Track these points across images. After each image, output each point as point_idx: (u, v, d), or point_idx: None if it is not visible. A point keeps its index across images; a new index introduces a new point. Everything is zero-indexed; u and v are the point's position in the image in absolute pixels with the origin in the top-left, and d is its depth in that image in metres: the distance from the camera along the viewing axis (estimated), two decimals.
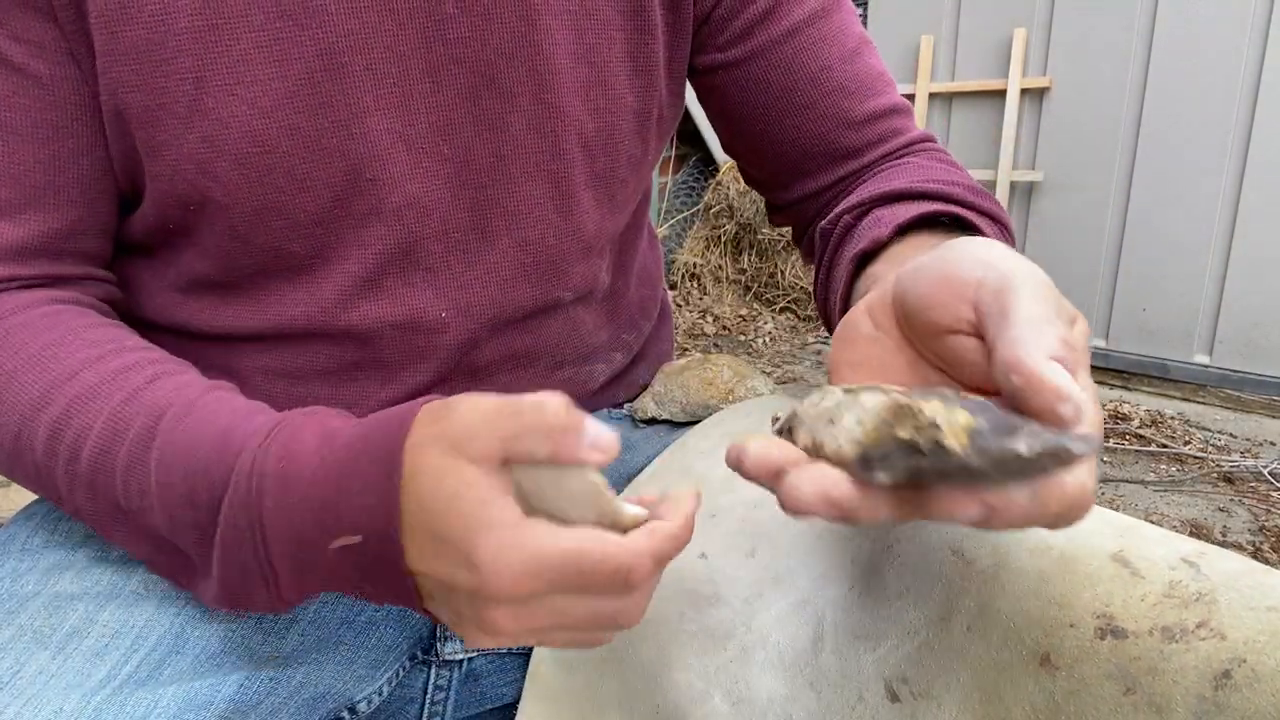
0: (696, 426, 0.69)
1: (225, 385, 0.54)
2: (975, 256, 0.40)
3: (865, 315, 0.45)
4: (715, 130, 0.77)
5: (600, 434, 0.39)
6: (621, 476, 0.73)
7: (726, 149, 0.78)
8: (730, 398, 0.77)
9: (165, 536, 0.49)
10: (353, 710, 0.61)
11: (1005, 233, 0.64)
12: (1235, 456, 2.54)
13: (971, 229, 0.59)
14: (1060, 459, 0.30)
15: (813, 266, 0.72)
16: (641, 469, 0.69)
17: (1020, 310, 0.35)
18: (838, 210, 0.68)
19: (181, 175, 0.57)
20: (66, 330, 0.55)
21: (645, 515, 0.41)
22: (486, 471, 0.39)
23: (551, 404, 0.39)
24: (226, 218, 0.58)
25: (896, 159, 0.71)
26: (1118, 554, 0.38)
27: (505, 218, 0.64)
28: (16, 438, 0.52)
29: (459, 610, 0.41)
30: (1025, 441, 0.30)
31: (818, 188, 0.73)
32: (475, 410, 0.40)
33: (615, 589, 0.39)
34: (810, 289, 3.79)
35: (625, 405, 0.81)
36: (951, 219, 0.60)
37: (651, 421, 0.78)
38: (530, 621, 0.40)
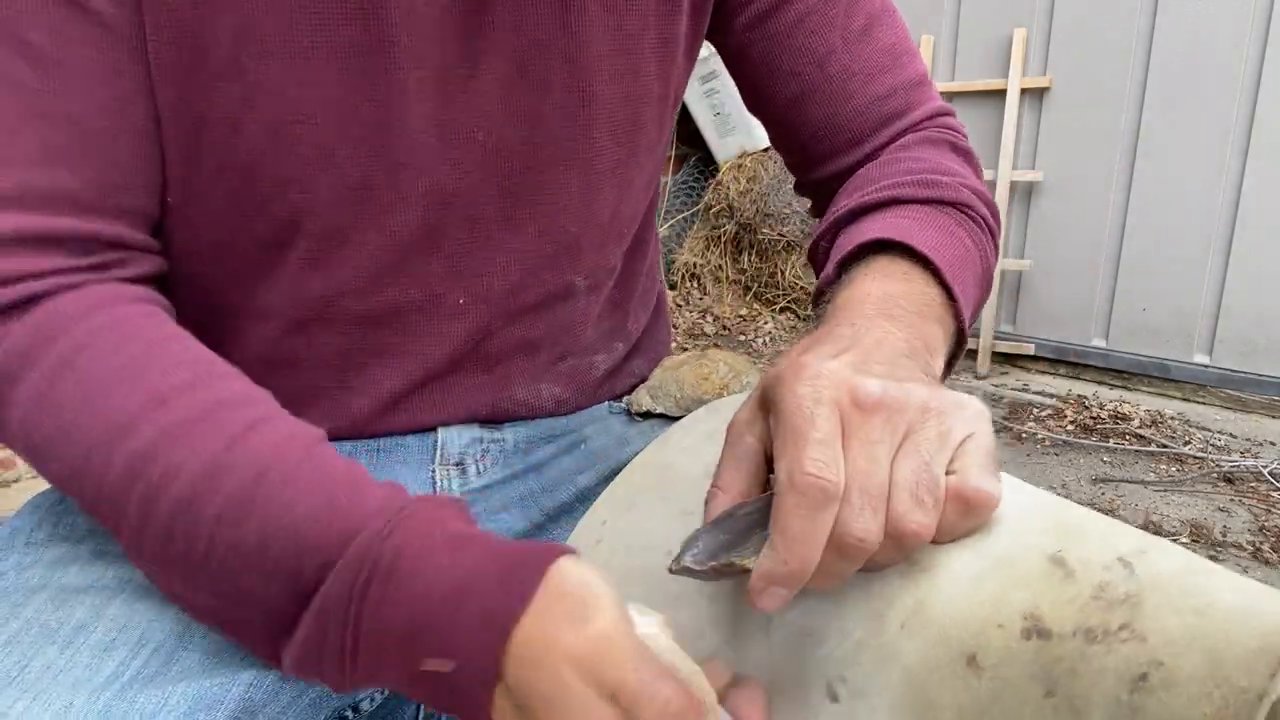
0: (679, 422, 0.69)
1: (320, 437, 0.52)
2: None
3: (745, 425, 0.48)
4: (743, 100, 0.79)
5: None
6: (613, 470, 0.73)
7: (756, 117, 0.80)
8: (725, 393, 0.76)
9: (249, 594, 0.47)
10: (355, 709, 0.60)
11: (962, 211, 0.65)
12: (1235, 456, 2.53)
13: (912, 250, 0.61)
14: (733, 569, 0.42)
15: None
16: None
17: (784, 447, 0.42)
18: (815, 234, 0.70)
19: (210, 133, 0.56)
20: (151, 343, 0.52)
21: None
22: (598, 697, 0.39)
23: (676, 703, 0.39)
24: (249, 182, 0.57)
25: (900, 145, 0.72)
26: (1055, 554, 0.37)
27: (531, 205, 0.64)
28: (86, 459, 0.49)
29: None
30: (692, 557, 0.43)
31: (826, 175, 0.74)
32: (612, 637, 0.40)
33: None
34: (810, 289, 3.79)
35: (623, 399, 0.81)
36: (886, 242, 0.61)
37: (647, 415, 0.78)
38: None
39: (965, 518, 0.41)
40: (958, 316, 0.58)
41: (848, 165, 0.73)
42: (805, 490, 0.39)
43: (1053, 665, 0.33)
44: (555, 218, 0.65)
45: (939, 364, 0.54)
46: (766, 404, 0.46)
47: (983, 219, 0.67)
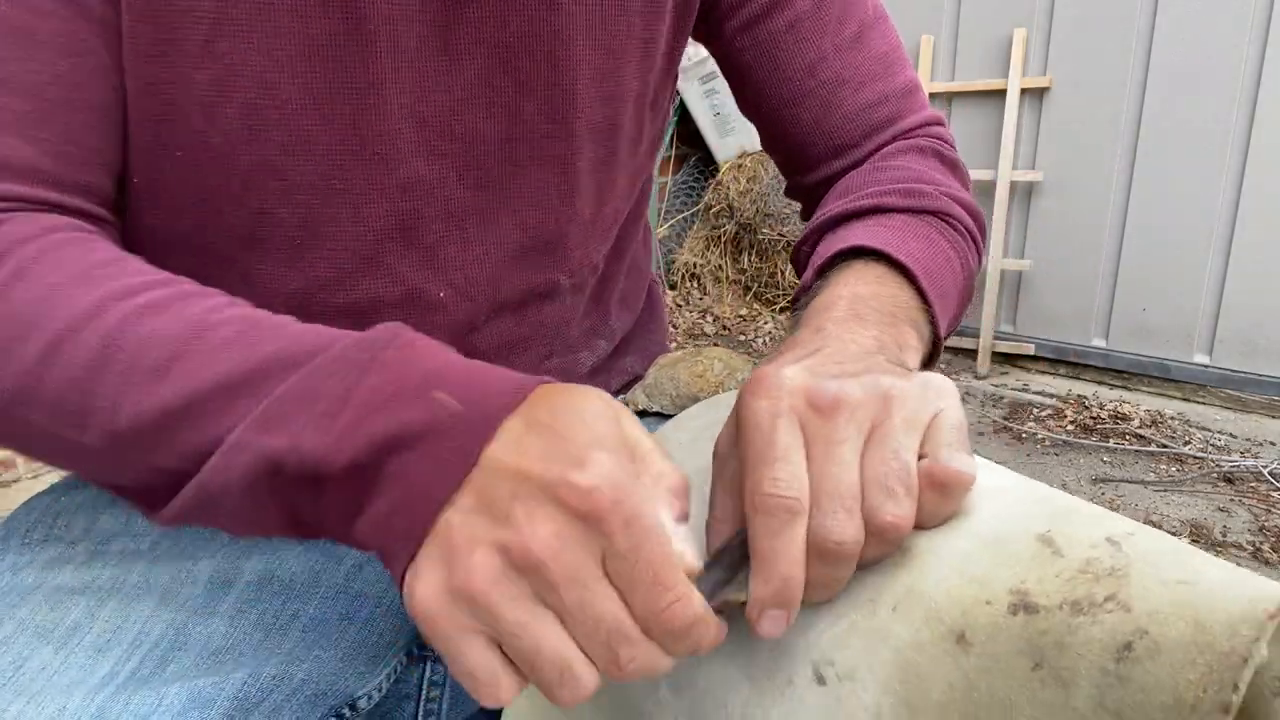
0: (672, 420, 0.69)
1: None
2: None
3: (728, 448, 0.47)
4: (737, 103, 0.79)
5: (687, 554, 0.39)
6: None
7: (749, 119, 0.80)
8: (720, 390, 0.76)
9: (236, 424, 0.42)
10: (353, 707, 0.60)
11: (944, 220, 0.66)
12: (1235, 456, 2.53)
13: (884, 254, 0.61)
14: (730, 605, 0.41)
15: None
16: None
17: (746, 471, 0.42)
18: (803, 234, 0.70)
19: (183, 116, 0.55)
20: (119, 255, 0.50)
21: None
22: (620, 429, 0.40)
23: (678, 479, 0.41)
24: (220, 169, 0.57)
25: (886, 153, 0.72)
26: (1044, 534, 0.37)
27: (509, 200, 0.64)
28: (53, 348, 0.45)
29: (498, 511, 0.38)
30: (707, 590, 0.40)
31: (820, 178, 0.75)
32: (637, 422, 0.41)
33: (656, 605, 0.37)
34: None
35: (618, 397, 0.81)
36: (860, 249, 0.61)
37: (643, 414, 0.78)
38: (565, 563, 0.37)
39: (943, 500, 0.41)
40: (933, 322, 0.58)
41: (836, 171, 0.73)
42: (768, 510, 0.39)
43: (1039, 638, 0.33)
44: (533, 213, 0.65)
45: (912, 361, 0.53)
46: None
47: (965, 228, 0.67)
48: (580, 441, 0.38)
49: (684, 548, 0.39)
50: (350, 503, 0.41)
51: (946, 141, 0.74)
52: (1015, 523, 0.40)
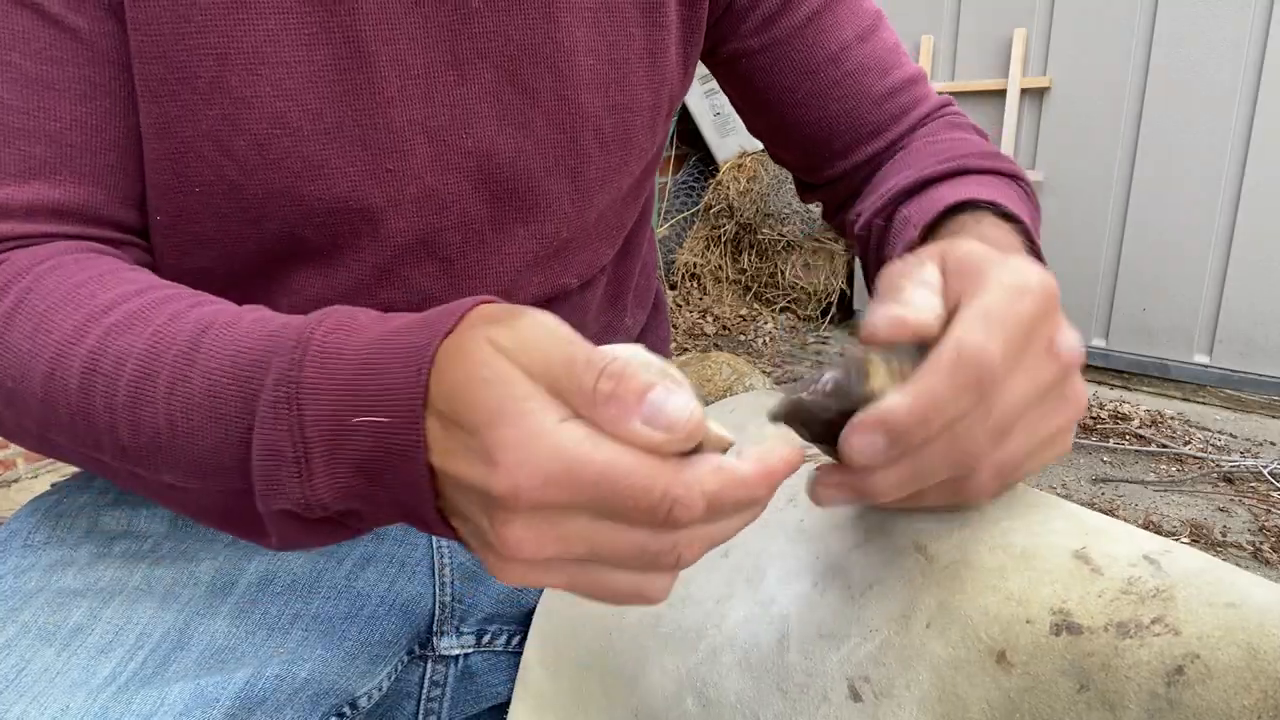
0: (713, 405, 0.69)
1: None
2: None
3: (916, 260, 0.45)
4: (740, 114, 0.80)
5: (664, 409, 0.33)
6: None
7: (753, 132, 0.80)
8: (729, 395, 0.76)
9: (216, 454, 0.44)
10: (354, 706, 0.60)
11: (1019, 185, 0.67)
12: (1235, 456, 2.53)
13: (987, 205, 0.60)
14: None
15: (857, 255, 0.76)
16: None
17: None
18: (866, 214, 0.70)
19: (197, 152, 0.56)
20: (104, 269, 0.51)
21: (729, 441, 0.36)
22: (528, 377, 0.35)
23: (619, 362, 0.34)
24: (239, 200, 0.57)
25: (916, 133, 0.74)
26: (1079, 551, 0.37)
27: (523, 211, 0.64)
28: (49, 378, 0.47)
29: (476, 524, 0.36)
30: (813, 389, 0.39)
31: (847, 168, 0.75)
32: (539, 326, 0.36)
33: (656, 521, 0.34)
34: (810, 289, 3.79)
35: None
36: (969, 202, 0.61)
37: None
38: (556, 544, 0.34)
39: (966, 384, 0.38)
40: None
41: (870, 155, 0.74)
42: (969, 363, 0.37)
43: (1084, 660, 0.33)
44: (546, 222, 0.66)
45: None
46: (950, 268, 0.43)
47: (1033, 194, 0.69)
48: (482, 428, 0.34)
49: (666, 419, 0.33)
50: (377, 515, 0.42)
51: (968, 119, 0.77)
52: (1047, 537, 0.40)
